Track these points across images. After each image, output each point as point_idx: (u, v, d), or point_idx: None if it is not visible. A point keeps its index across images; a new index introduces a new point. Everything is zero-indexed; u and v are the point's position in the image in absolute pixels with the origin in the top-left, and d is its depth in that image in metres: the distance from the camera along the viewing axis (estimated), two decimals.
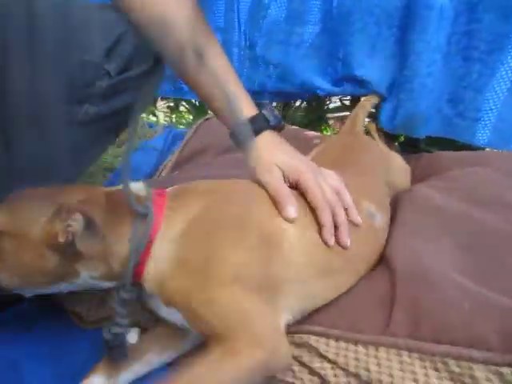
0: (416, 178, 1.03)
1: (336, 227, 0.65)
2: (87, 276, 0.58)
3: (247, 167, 0.70)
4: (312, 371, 0.60)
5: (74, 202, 0.56)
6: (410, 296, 0.59)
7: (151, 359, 0.64)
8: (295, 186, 0.68)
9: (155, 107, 2.04)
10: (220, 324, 0.54)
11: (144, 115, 1.89)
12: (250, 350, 0.52)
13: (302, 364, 0.61)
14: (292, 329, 0.63)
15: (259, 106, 0.74)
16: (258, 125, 0.71)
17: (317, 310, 0.65)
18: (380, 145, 1.11)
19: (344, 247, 0.65)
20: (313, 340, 0.61)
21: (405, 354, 0.54)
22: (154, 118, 1.94)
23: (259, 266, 0.58)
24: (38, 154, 0.77)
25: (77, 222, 0.53)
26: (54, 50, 0.70)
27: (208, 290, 0.55)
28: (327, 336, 0.61)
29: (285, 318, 0.60)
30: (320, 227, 0.64)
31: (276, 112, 0.74)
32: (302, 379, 0.60)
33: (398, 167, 1.02)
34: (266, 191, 0.66)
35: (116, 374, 0.62)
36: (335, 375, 0.57)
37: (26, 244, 0.55)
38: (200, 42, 0.69)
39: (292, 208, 0.62)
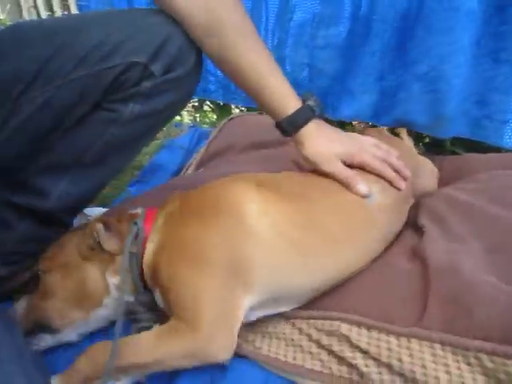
0: (443, 181, 1.04)
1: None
2: (114, 289, 0.70)
3: (302, 159, 0.81)
4: (341, 360, 0.62)
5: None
6: (445, 292, 0.61)
7: None
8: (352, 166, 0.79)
9: None
10: (176, 300, 0.61)
11: None
12: (189, 332, 0.57)
13: (332, 353, 0.63)
14: (322, 315, 0.65)
15: (304, 96, 0.80)
16: (306, 115, 0.78)
17: (348, 298, 0.67)
18: (410, 145, 1.13)
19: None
20: (344, 329, 0.63)
21: (438, 346, 0.56)
22: (178, 117, 1.97)
23: (225, 249, 0.63)
24: (82, 152, 0.81)
25: (98, 226, 0.70)
26: (106, 53, 0.73)
27: (173, 264, 0.63)
28: (359, 325, 0.63)
29: (248, 302, 0.62)
30: (389, 182, 0.80)
31: (319, 101, 0.80)
32: (330, 368, 0.63)
33: (427, 170, 1.03)
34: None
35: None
36: (366, 365, 0.59)
37: (68, 267, 0.71)
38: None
39: (362, 185, 0.75)
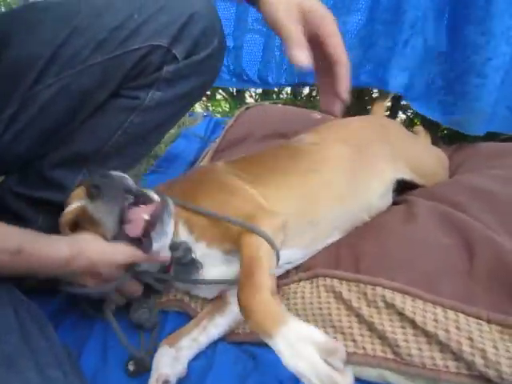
0: (452, 168, 1.06)
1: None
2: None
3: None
4: (376, 337, 0.64)
5: None
6: (490, 269, 0.62)
7: (206, 324, 0.74)
8: (312, 30, 0.67)
9: None
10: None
11: None
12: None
13: (367, 329, 0.65)
14: (368, 279, 0.67)
15: None
16: None
17: (392, 268, 0.68)
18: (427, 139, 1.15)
19: None
20: (388, 297, 0.64)
21: (484, 323, 0.58)
22: None
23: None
24: (102, 142, 0.78)
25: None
26: (126, 36, 0.69)
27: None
28: (404, 293, 0.64)
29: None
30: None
31: None
32: (364, 348, 0.64)
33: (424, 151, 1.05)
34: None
35: (178, 342, 0.71)
36: (406, 340, 0.61)
37: None
38: None
39: (303, 54, 0.63)
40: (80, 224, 0.70)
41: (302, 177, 0.81)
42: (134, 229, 0.66)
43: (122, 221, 0.66)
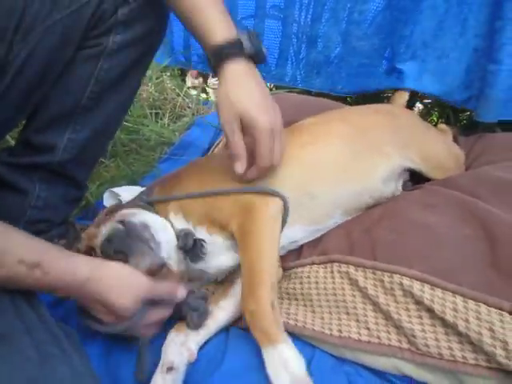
0: (470, 157, 1.04)
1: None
2: None
3: (215, 98, 0.74)
4: (391, 326, 0.63)
5: None
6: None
7: (212, 309, 0.73)
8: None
9: (206, 84, 2.07)
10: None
11: (195, 92, 1.93)
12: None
13: (382, 317, 0.64)
14: (386, 267, 0.66)
15: (240, 32, 0.73)
16: (231, 51, 0.70)
17: (409, 254, 0.67)
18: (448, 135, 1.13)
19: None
20: (406, 285, 0.63)
21: (506, 314, 0.56)
22: (204, 95, 1.97)
23: None
24: (78, 96, 0.81)
25: None
26: None
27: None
28: (423, 281, 0.63)
29: None
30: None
31: (257, 40, 0.72)
32: (378, 337, 0.63)
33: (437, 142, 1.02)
34: None
35: (186, 329, 0.70)
36: (423, 330, 0.60)
37: None
38: None
39: (239, 165, 0.72)
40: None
41: (299, 149, 0.83)
42: None
43: None
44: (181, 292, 0.69)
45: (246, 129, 0.71)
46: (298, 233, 0.79)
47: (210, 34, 0.71)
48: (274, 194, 0.73)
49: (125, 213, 0.77)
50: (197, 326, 0.70)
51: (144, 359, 0.66)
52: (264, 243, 0.69)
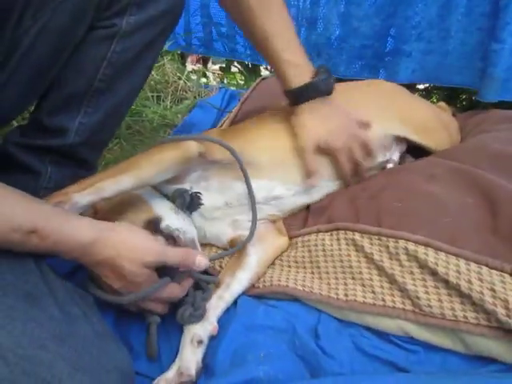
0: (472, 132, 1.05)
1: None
2: None
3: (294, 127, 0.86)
4: (395, 289, 0.65)
5: None
6: None
7: (229, 281, 0.74)
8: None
9: (206, 68, 2.07)
10: None
11: (195, 76, 1.93)
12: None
13: (387, 281, 0.66)
14: (391, 233, 0.68)
15: (316, 70, 0.85)
16: (307, 93, 0.84)
17: (413, 221, 0.70)
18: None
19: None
20: (411, 250, 0.65)
21: (507, 276, 0.59)
22: (204, 79, 1.98)
23: None
24: (90, 77, 0.81)
25: None
26: None
27: None
28: (427, 245, 0.65)
29: None
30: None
31: (330, 78, 0.84)
32: (383, 300, 0.65)
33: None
34: None
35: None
36: (426, 292, 0.62)
37: None
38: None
39: (315, 179, 0.83)
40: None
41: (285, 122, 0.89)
42: None
43: None
44: (199, 260, 0.64)
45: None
46: (278, 189, 0.84)
47: (285, 77, 0.84)
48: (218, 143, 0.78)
49: None
50: (185, 322, 0.67)
51: (153, 338, 0.66)
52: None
